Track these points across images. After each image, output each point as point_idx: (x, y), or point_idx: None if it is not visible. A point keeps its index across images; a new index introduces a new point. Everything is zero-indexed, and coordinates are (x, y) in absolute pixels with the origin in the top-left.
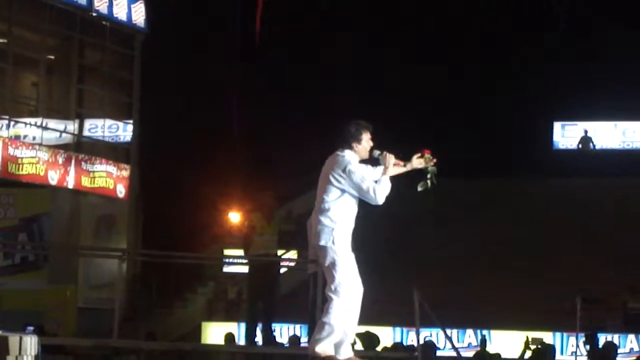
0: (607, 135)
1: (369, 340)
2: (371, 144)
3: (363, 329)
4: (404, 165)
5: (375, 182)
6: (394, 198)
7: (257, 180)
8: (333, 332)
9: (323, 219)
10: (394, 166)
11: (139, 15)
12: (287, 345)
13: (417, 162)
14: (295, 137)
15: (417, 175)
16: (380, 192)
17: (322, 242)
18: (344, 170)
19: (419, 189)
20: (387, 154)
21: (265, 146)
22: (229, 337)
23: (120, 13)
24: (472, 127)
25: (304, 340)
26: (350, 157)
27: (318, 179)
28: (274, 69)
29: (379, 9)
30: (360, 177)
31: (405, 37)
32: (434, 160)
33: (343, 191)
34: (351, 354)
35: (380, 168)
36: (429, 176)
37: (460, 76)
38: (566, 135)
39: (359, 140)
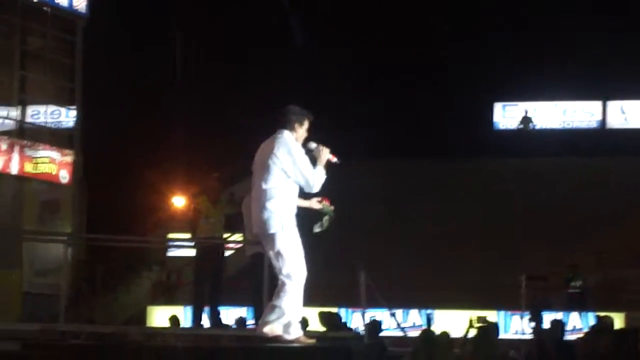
0: (548, 115)
1: (331, 320)
2: (307, 134)
3: (310, 310)
4: (312, 203)
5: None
6: (340, 179)
7: (200, 164)
8: (283, 315)
9: (269, 205)
10: (327, 160)
11: (80, 1)
12: (235, 327)
13: (315, 204)
14: (235, 121)
15: (315, 216)
16: (319, 180)
17: (272, 230)
18: (288, 152)
19: (316, 230)
20: (323, 147)
21: (207, 130)
22: (174, 320)
23: None
24: (414, 109)
25: (250, 322)
26: (290, 139)
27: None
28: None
29: None
30: (307, 161)
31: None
32: (332, 208)
33: (286, 173)
34: (301, 333)
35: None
36: (326, 217)
37: (403, 59)
38: (507, 115)
39: (301, 123)
